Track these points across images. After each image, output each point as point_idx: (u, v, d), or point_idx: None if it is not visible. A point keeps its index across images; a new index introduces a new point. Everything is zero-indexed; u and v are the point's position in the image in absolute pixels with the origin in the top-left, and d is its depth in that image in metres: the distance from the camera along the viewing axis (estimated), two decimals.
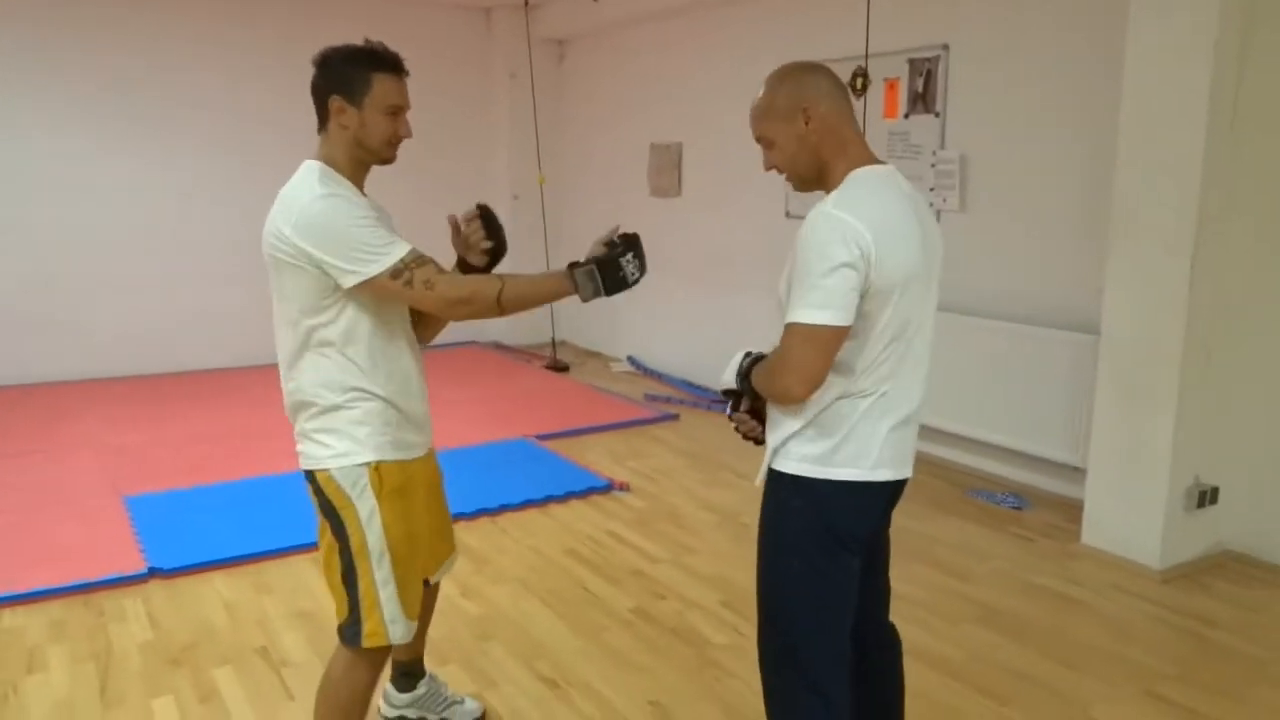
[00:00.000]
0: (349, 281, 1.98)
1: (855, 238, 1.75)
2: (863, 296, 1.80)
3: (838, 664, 1.97)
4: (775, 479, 1.95)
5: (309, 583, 3.61)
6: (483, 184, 7.80)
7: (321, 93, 2.09)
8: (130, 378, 6.87)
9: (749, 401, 2.05)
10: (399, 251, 1.99)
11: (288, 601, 3.46)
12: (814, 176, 1.93)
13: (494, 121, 7.96)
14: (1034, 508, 4.34)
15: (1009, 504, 4.37)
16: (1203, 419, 3.65)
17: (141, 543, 3.85)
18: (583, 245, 7.84)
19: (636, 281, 2.15)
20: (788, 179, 1.98)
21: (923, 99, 4.95)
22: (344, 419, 2.08)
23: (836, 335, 1.78)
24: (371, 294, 2.02)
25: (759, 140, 1.96)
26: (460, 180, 7.82)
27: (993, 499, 4.43)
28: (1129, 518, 3.74)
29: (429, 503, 2.31)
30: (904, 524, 4.12)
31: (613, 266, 2.10)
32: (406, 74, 2.12)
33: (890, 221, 1.81)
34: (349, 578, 2.12)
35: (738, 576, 3.64)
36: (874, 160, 1.91)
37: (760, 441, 2.06)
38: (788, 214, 5.89)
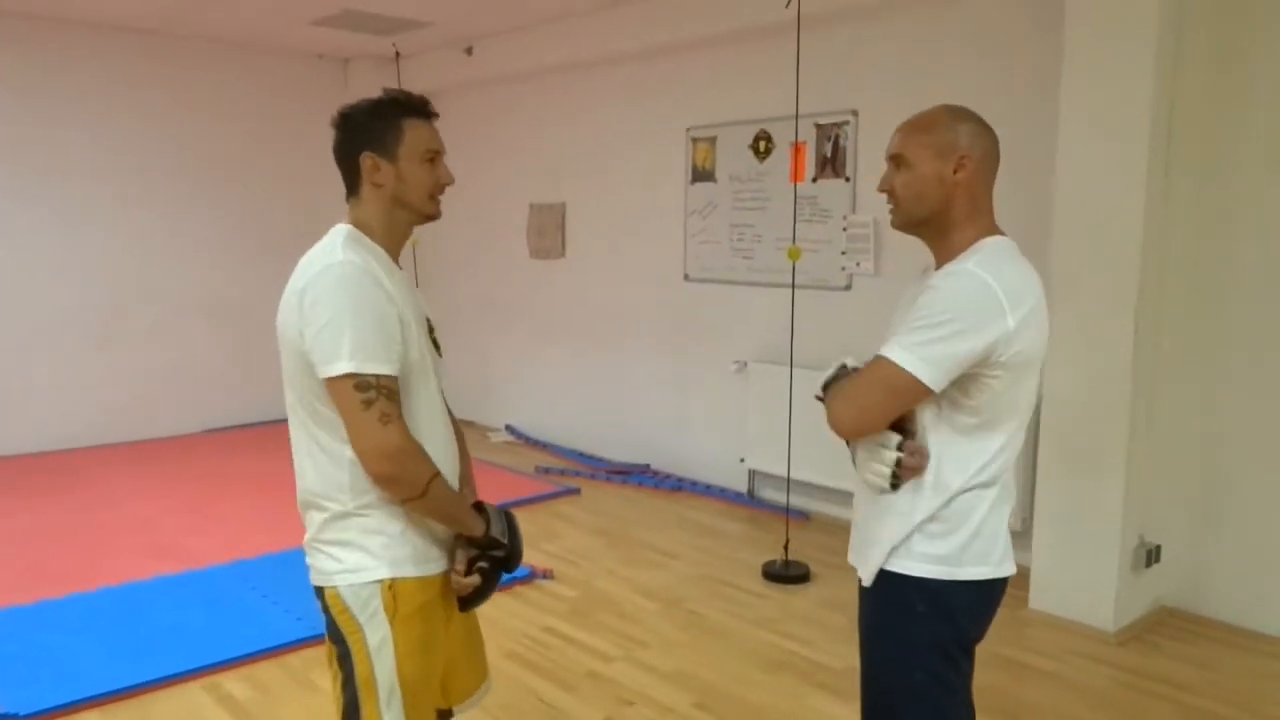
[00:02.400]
0: (318, 372, 1.68)
1: (993, 308, 1.61)
2: (993, 374, 1.65)
3: None
4: (894, 581, 1.73)
5: (207, 716, 3.03)
6: None
7: (349, 152, 1.83)
8: None
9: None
10: (381, 367, 1.68)
11: None
12: (925, 222, 1.77)
13: None
14: None
15: None
16: (1145, 478, 3.70)
17: None
18: (460, 310, 7.55)
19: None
20: (894, 208, 1.81)
21: (831, 164, 4.94)
22: (355, 528, 1.77)
23: (916, 393, 1.63)
24: (331, 396, 1.70)
25: (894, 157, 1.77)
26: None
27: None
28: (1080, 580, 3.72)
29: (457, 625, 1.93)
30: (836, 596, 3.98)
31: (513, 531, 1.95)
32: (436, 115, 1.88)
33: (1030, 299, 1.67)
34: (350, 715, 1.79)
35: (701, 672, 3.35)
36: (1001, 232, 1.77)
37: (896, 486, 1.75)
38: (686, 276, 5.74)
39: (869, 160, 4.77)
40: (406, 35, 6.50)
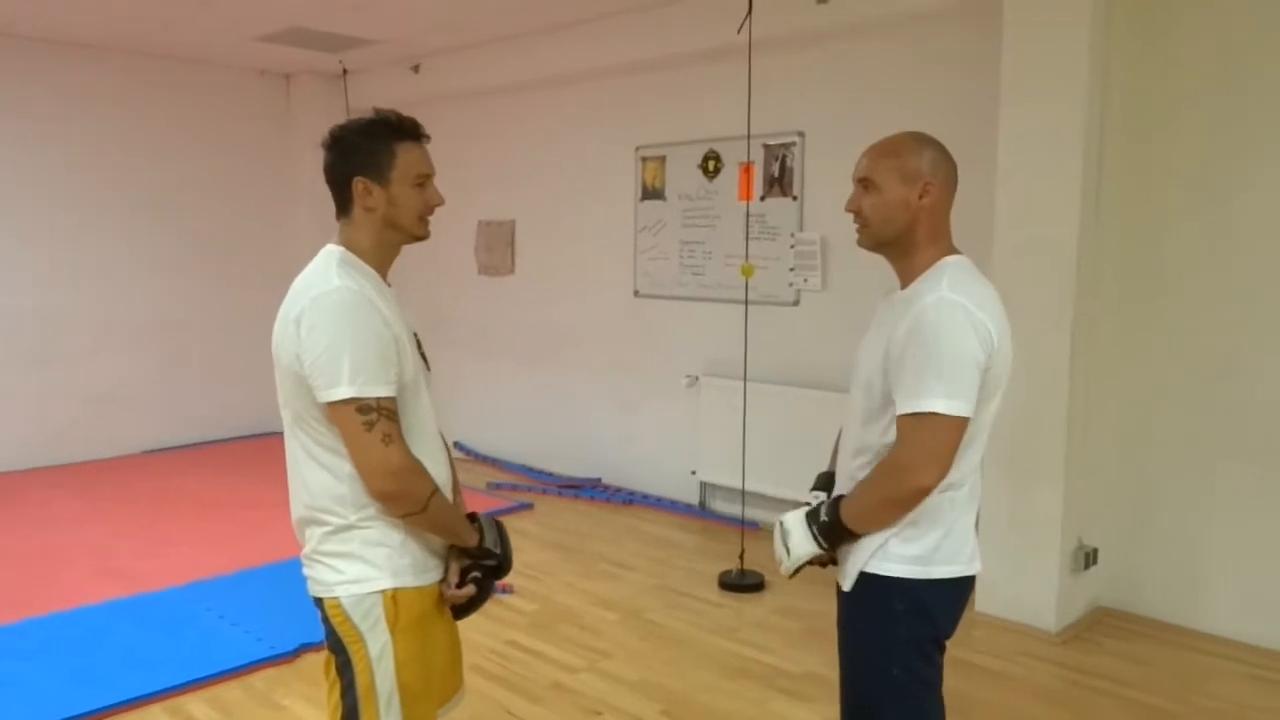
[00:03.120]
0: (319, 397, 1.73)
1: (984, 332, 1.74)
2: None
3: None
4: (873, 583, 1.84)
5: None
6: (286, 265, 7.17)
7: (341, 175, 1.85)
8: None
9: (830, 554, 1.92)
10: (381, 390, 1.73)
11: None
12: (891, 242, 1.89)
13: (297, 195, 7.40)
14: None
15: None
16: (1081, 484, 3.88)
17: None
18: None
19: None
20: (861, 228, 1.91)
21: (779, 183, 5.08)
22: (357, 540, 1.81)
23: (964, 427, 1.73)
24: (331, 420, 1.75)
25: (862, 180, 1.88)
26: (260, 260, 7.19)
27: None
28: (1023, 584, 3.89)
29: (446, 633, 2.00)
30: (791, 604, 4.09)
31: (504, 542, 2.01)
32: (428, 138, 1.92)
33: (998, 315, 1.81)
34: None
35: (666, 680, 3.42)
36: (959, 251, 1.89)
37: (832, 562, 1.94)
38: (637, 292, 5.83)
39: (815, 180, 4.92)
40: (353, 52, 6.50)
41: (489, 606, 4.01)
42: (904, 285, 1.90)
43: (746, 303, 4.67)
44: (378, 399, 1.72)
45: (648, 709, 3.22)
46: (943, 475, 1.73)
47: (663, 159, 5.64)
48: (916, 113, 4.21)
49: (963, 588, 1.86)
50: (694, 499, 5.57)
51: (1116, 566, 4.05)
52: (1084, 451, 3.86)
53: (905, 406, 1.72)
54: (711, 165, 5.40)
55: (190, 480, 6.10)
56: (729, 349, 5.14)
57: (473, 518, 1.95)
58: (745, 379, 4.65)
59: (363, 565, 1.80)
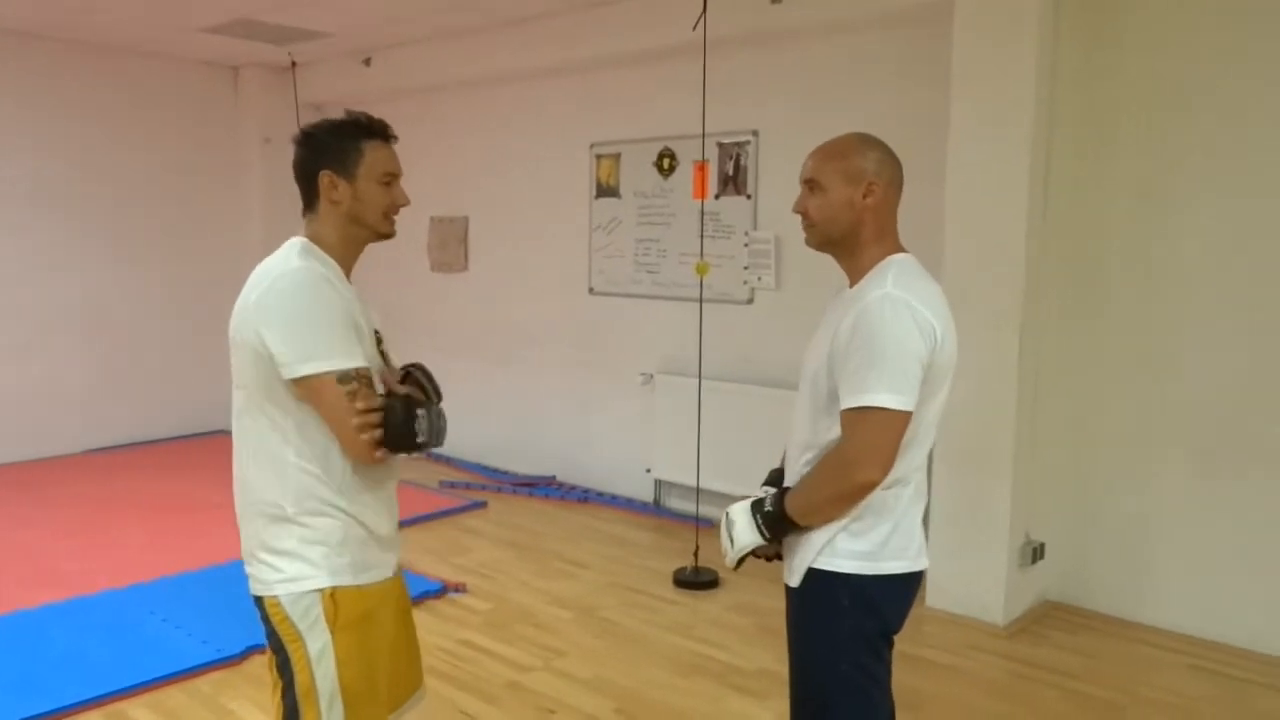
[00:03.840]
0: (290, 372, 1.73)
1: (928, 328, 1.76)
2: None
3: None
4: (822, 578, 1.85)
5: None
6: (235, 259, 7.02)
7: (309, 169, 1.89)
8: None
9: (775, 547, 1.93)
10: (357, 360, 1.77)
11: None
12: (838, 242, 1.91)
13: (245, 191, 7.25)
14: None
15: None
16: (1029, 480, 3.95)
17: None
18: None
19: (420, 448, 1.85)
20: (808, 228, 1.93)
21: (734, 181, 5.10)
22: (295, 537, 1.80)
23: (907, 421, 1.74)
24: (306, 396, 1.75)
25: (807, 181, 1.90)
26: (206, 254, 7.05)
27: None
28: (971, 578, 3.94)
29: (397, 630, 1.97)
30: (746, 601, 4.11)
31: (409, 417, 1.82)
32: (395, 139, 1.96)
33: (942, 311, 1.83)
34: None
35: (619, 678, 3.41)
36: (905, 249, 1.90)
37: (777, 557, 1.95)
38: (592, 290, 5.81)
39: (769, 178, 4.94)
40: (303, 45, 6.39)
41: (442, 606, 4.02)
42: (851, 283, 1.92)
43: (701, 301, 4.68)
44: (356, 369, 1.74)
45: (602, 707, 3.21)
46: (886, 470, 1.74)
47: (617, 156, 5.63)
48: (870, 114, 4.26)
49: (910, 583, 1.89)
50: (649, 496, 5.57)
51: (1064, 561, 4.12)
52: (1032, 448, 3.93)
53: (849, 401, 1.74)
54: (666, 163, 5.40)
55: (132, 480, 5.95)
56: (684, 347, 5.15)
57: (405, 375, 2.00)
58: (700, 377, 4.66)
59: (301, 563, 1.79)
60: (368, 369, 1.78)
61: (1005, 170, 3.76)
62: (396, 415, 1.76)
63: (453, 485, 5.99)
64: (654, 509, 5.48)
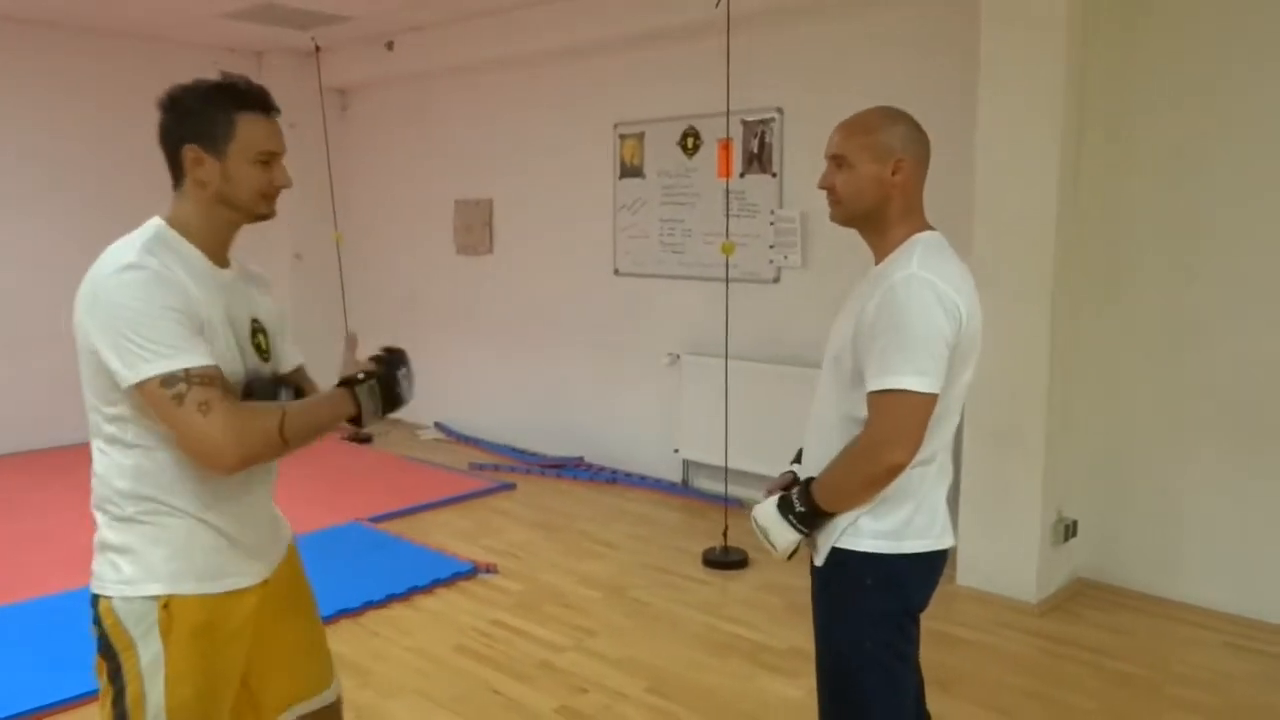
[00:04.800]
0: (123, 382, 1.57)
1: (953, 308, 1.75)
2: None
3: None
4: (846, 558, 1.85)
5: None
6: (259, 242, 7.05)
7: (173, 142, 1.68)
8: None
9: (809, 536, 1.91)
10: (185, 360, 1.55)
11: None
12: (864, 218, 1.89)
13: None
14: None
15: None
16: (1061, 457, 3.91)
17: None
18: (385, 307, 7.43)
19: (405, 403, 1.89)
20: (834, 205, 1.91)
21: (758, 159, 5.07)
22: (135, 535, 1.65)
23: (934, 403, 1.74)
24: (147, 403, 1.58)
25: (833, 156, 1.88)
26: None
27: None
28: (1003, 556, 3.92)
29: (265, 641, 1.81)
30: (775, 580, 4.11)
31: (391, 382, 1.85)
32: (278, 112, 1.74)
33: (967, 290, 1.82)
34: None
35: (651, 658, 3.43)
36: (932, 227, 1.88)
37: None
38: (617, 271, 5.81)
39: (795, 156, 4.90)
40: (325, 29, 6.40)
41: (474, 587, 4.05)
42: (877, 261, 1.90)
43: (727, 280, 4.67)
44: (186, 370, 1.54)
45: (634, 686, 3.23)
46: (914, 451, 1.73)
47: (641, 136, 5.60)
48: (896, 89, 4.20)
49: (934, 561, 1.88)
50: (676, 477, 5.58)
51: (1096, 538, 4.09)
52: (1064, 425, 3.89)
53: (875, 383, 1.73)
54: (690, 142, 5.37)
55: None
56: (710, 327, 5.14)
57: (349, 383, 1.79)
58: (726, 356, 4.65)
59: (139, 565, 1.64)
60: (205, 366, 1.57)
61: (1036, 146, 3.70)
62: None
63: (481, 467, 6.03)
64: (682, 489, 5.49)
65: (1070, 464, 3.99)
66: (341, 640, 3.51)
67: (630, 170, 5.68)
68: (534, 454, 6.30)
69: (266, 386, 1.74)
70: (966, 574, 4.02)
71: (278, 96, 1.79)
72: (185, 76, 1.79)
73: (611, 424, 5.96)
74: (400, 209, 7.21)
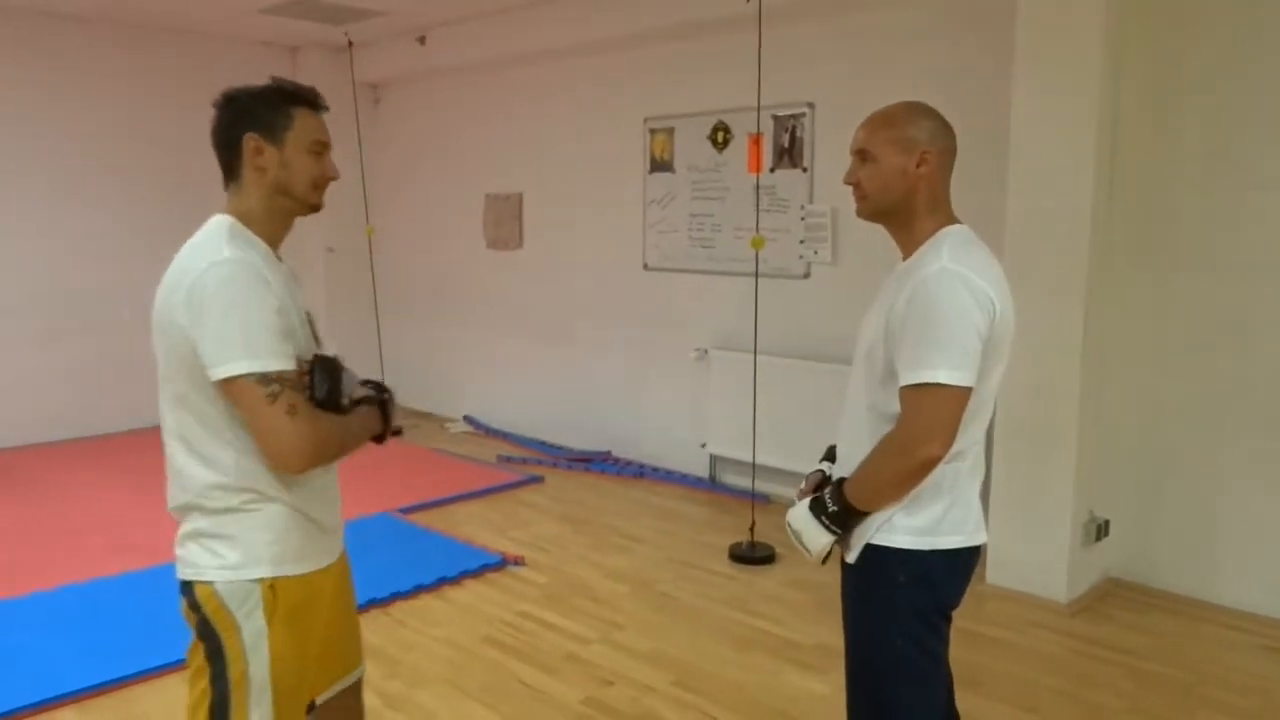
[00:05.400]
0: (215, 373, 1.63)
1: (985, 302, 1.73)
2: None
3: None
4: (878, 554, 1.83)
5: None
6: (292, 235, 7.13)
7: (231, 133, 1.77)
8: None
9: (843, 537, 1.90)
10: (280, 361, 1.66)
11: None
12: (890, 213, 1.88)
13: None
14: None
15: None
16: (1093, 455, 3.87)
17: None
18: (415, 301, 7.47)
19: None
20: (860, 199, 1.90)
21: (789, 154, 5.04)
22: (237, 524, 1.74)
23: (967, 397, 1.72)
24: (228, 396, 1.66)
25: (858, 151, 1.87)
26: None
27: None
28: (1034, 555, 3.89)
29: (332, 617, 1.92)
30: (802, 576, 4.10)
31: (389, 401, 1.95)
32: (327, 109, 1.84)
33: (999, 284, 1.80)
34: (219, 714, 1.74)
35: (678, 652, 3.44)
36: (959, 221, 1.87)
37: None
38: (646, 266, 5.81)
39: (825, 151, 4.88)
40: (358, 24, 6.44)
41: (501, 579, 4.08)
42: (905, 256, 1.89)
43: (756, 275, 4.65)
44: (279, 370, 1.64)
45: (660, 679, 3.24)
46: (948, 446, 1.72)
47: (671, 131, 5.60)
48: (929, 82, 4.18)
49: (967, 558, 1.86)
50: (704, 472, 5.57)
51: (1128, 538, 4.04)
52: (1096, 423, 3.85)
53: (908, 378, 1.71)
54: (720, 137, 5.36)
55: None
56: (739, 322, 5.13)
57: (369, 397, 1.90)
58: (755, 352, 4.63)
59: (242, 551, 1.73)
60: (293, 373, 1.68)
61: (1071, 138, 3.66)
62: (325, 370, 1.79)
63: (510, 460, 6.06)
64: (709, 484, 5.49)
65: (1103, 462, 3.94)
66: (370, 630, 3.54)
67: (660, 165, 5.67)
68: (562, 448, 6.32)
69: (338, 370, 1.82)
70: (997, 573, 3.99)
71: None
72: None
73: (639, 419, 5.97)
74: (431, 203, 7.25)
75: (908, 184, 1.82)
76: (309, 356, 1.79)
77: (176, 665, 3.26)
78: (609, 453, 6.10)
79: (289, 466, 1.69)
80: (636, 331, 5.92)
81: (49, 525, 4.73)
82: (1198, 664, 3.36)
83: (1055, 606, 3.81)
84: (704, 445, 5.48)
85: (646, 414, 5.93)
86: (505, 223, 6.68)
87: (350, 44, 6.78)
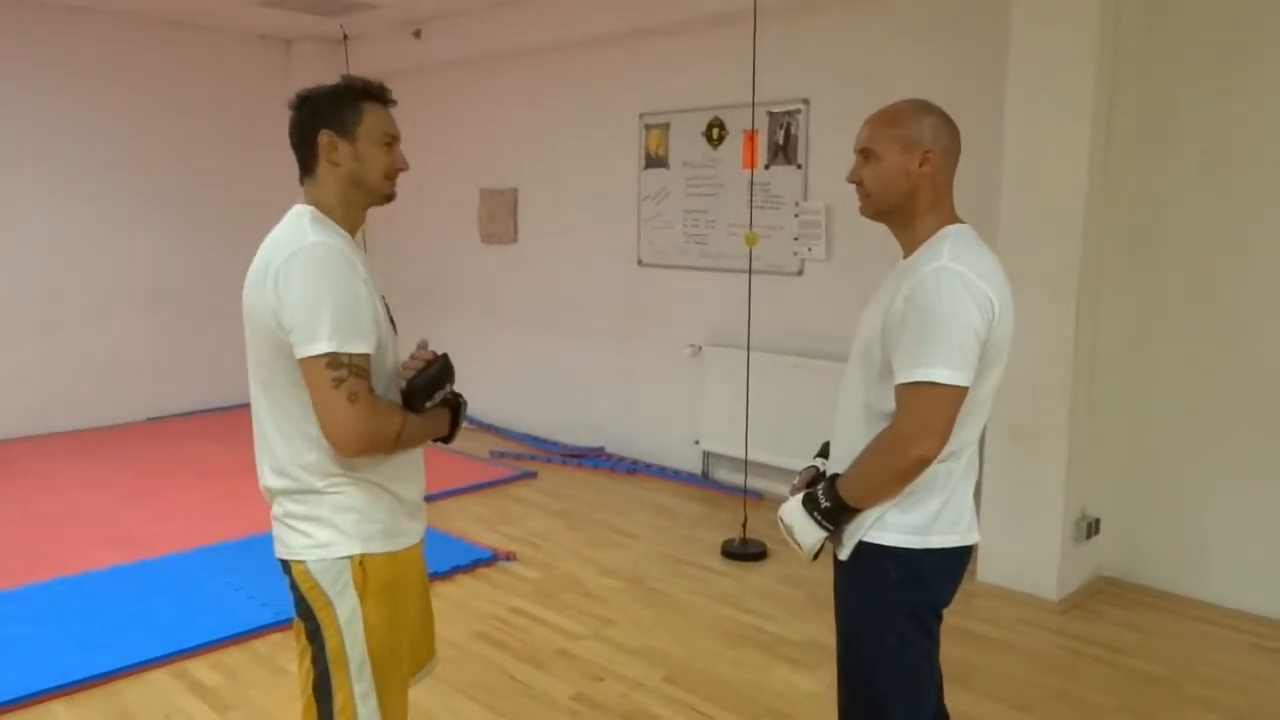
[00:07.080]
0: (299, 351, 1.70)
1: (985, 302, 1.72)
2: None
3: None
4: (871, 552, 1.83)
5: (178, 701, 3.02)
6: None
7: (307, 131, 1.85)
8: None
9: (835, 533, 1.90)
10: (353, 344, 1.71)
11: None
12: (893, 211, 1.88)
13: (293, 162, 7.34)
14: None
15: None
16: (1084, 454, 3.88)
17: None
18: (409, 295, 7.44)
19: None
20: (863, 198, 1.90)
21: (784, 151, 5.04)
22: (326, 504, 1.80)
23: (963, 396, 1.72)
24: (303, 375, 1.72)
25: (861, 150, 1.86)
26: (261, 228, 7.07)
27: None
28: (1025, 553, 3.89)
29: (420, 600, 1.99)
30: (794, 573, 4.11)
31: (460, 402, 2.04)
32: (394, 103, 1.92)
33: (999, 284, 1.79)
34: (322, 689, 1.81)
35: (669, 648, 3.44)
36: (961, 220, 1.87)
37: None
38: (640, 261, 5.81)
39: (820, 148, 4.88)
40: (354, 17, 6.43)
41: (493, 574, 4.08)
42: (906, 254, 1.89)
43: (750, 272, 4.65)
44: (350, 355, 1.69)
45: (650, 675, 3.24)
46: (942, 445, 1.71)
47: (666, 127, 5.59)
48: (923, 81, 4.18)
49: (960, 557, 1.86)
50: (697, 468, 5.57)
51: (1119, 536, 4.05)
52: (1087, 421, 3.85)
53: (904, 376, 1.71)
54: (715, 133, 5.35)
55: (194, 446, 6.11)
56: (732, 319, 5.13)
57: (444, 400, 1.95)
58: (749, 349, 4.64)
59: (332, 530, 1.79)
60: (365, 356, 1.72)
61: (1064, 137, 3.66)
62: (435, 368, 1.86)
63: (503, 455, 6.06)
64: (702, 480, 5.49)
65: (1094, 461, 3.95)
66: None
67: (655, 161, 5.67)
68: (555, 443, 6.32)
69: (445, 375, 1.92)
70: (988, 571, 4.00)
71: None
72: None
73: (633, 414, 5.97)
74: (426, 197, 7.23)
75: (910, 183, 1.82)
76: (389, 340, 1.86)
77: (166, 659, 3.27)
78: (602, 448, 6.10)
79: (340, 450, 1.74)
80: (630, 327, 5.92)
81: (41, 518, 4.72)
82: (1187, 661, 3.37)
83: (1046, 604, 3.82)
84: (697, 441, 5.49)
85: (640, 410, 5.93)
86: (500, 217, 6.67)
87: (345, 38, 6.76)
